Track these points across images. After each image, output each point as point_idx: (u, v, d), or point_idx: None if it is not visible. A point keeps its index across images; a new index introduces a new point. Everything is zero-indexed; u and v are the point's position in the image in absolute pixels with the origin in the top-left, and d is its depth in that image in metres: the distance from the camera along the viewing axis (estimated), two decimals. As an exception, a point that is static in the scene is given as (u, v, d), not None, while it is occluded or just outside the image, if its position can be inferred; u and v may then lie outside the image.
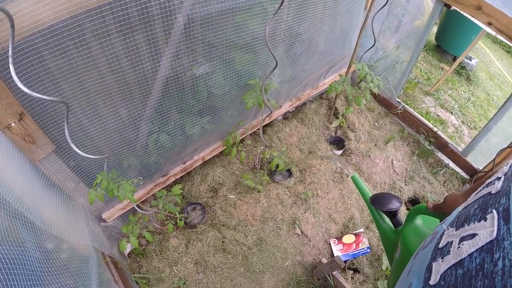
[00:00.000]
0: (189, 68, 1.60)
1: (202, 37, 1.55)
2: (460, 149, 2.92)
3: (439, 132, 2.98)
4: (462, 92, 4.06)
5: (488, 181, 0.48)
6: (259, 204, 2.40)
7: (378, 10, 2.40)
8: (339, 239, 2.40)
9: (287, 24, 1.98)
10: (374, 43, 2.53)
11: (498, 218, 0.38)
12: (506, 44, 5.14)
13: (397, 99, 3.16)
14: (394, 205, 1.31)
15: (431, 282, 0.43)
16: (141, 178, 1.89)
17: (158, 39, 1.43)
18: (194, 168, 2.35)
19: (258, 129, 2.53)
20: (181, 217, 2.09)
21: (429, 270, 0.46)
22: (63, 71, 1.25)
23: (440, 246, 0.47)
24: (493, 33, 2.16)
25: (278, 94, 2.49)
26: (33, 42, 1.11)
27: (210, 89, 1.79)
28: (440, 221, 1.06)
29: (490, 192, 0.43)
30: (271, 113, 2.31)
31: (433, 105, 3.71)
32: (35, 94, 1.00)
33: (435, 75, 4.17)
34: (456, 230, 0.45)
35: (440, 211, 1.04)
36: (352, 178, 1.62)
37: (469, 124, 3.68)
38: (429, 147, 3.03)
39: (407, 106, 3.15)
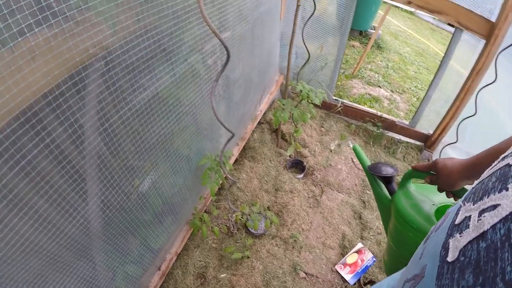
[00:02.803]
0: (132, 189, 1.27)
1: (133, 147, 1.22)
2: (407, 123, 2.98)
3: (384, 115, 3.00)
4: (379, 62, 4.20)
5: (503, 155, 0.47)
6: (255, 270, 2.15)
7: (307, 21, 2.28)
8: (343, 263, 2.28)
9: (226, 77, 1.74)
10: (309, 58, 2.40)
11: None
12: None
13: (333, 97, 3.10)
14: (389, 171, 1.40)
15: (449, 259, 0.40)
16: None
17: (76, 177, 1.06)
18: (171, 267, 2.01)
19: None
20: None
21: (445, 247, 0.43)
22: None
23: (456, 222, 0.44)
24: (413, 10, 2.15)
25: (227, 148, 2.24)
26: None
27: (163, 194, 1.48)
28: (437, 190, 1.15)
29: (509, 163, 0.41)
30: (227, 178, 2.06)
31: (362, 85, 3.76)
32: None
33: (350, 55, 4.24)
34: (474, 204, 0.42)
35: (427, 170, 1.13)
36: (353, 148, 1.69)
37: (398, 90, 3.80)
38: (379, 132, 3.04)
39: (345, 101, 3.12)
